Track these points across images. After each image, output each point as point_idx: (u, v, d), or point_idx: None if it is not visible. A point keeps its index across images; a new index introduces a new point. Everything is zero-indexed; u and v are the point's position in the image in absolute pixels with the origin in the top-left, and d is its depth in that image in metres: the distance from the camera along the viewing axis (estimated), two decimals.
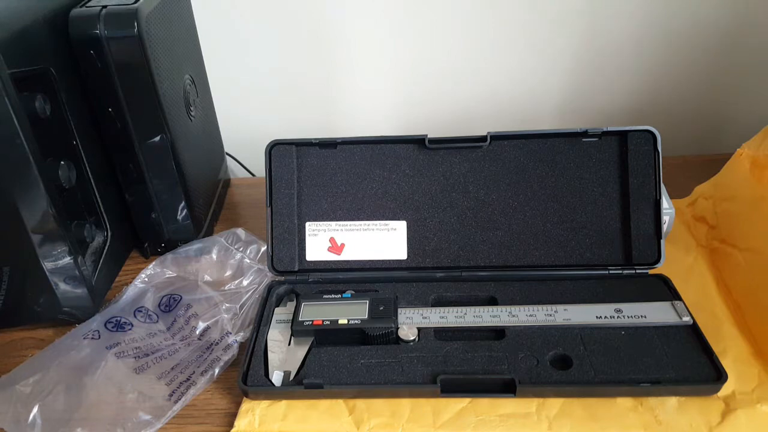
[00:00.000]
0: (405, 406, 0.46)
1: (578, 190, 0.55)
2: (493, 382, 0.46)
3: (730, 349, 0.48)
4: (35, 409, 0.45)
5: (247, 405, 0.47)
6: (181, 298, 0.57)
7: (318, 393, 0.46)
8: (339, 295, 0.52)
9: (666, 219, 0.56)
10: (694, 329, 0.48)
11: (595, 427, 0.43)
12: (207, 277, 0.60)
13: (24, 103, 0.46)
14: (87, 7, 0.52)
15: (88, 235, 0.56)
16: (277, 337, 0.50)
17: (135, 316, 0.55)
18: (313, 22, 0.77)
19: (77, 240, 0.54)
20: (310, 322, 0.49)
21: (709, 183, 0.62)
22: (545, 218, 0.55)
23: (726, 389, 0.45)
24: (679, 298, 0.51)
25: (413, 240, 0.56)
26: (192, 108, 0.65)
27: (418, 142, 0.56)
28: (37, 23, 0.50)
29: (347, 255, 0.56)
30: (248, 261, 0.61)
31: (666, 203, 0.55)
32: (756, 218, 0.53)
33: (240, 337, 0.53)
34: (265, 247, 0.59)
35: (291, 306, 0.53)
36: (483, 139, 0.55)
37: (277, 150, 0.56)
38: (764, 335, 0.48)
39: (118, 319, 0.55)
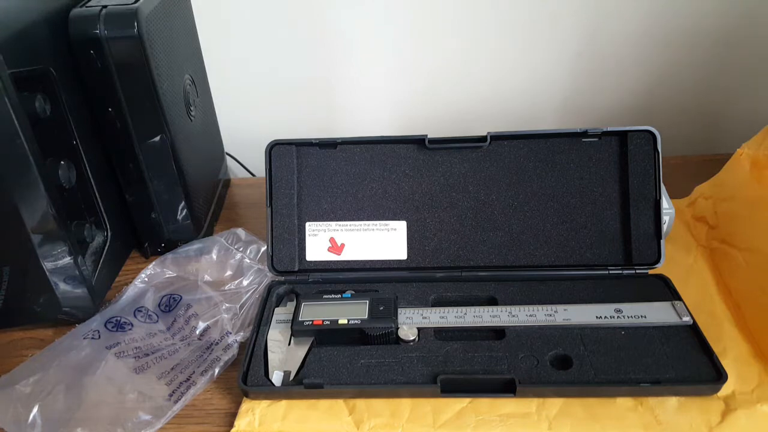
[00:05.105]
0: (405, 406, 0.46)
1: (578, 190, 0.55)
2: (493, 382, 0.46)
3: (730, 349, 0.48)
4: (35, 409, 0.45)
5: (247, 405, 0.47)
6: (181, 298, 0.57)
7: (318, 393, 0.46)
8: (339, 295, 0.52)
9: (666, 219, 0.56)
10: (694, 329, 0.48)
11: (595, 427, 0.43)
12: (207, 277, 0.60)
13: (24, 103, 0.46)
14: (87, 7, 0.52)
15: (88, 235, 0.56)
16: (277, 337, 0.50)
17: (135, 316, 0.55)
18: (313, 22, 0.77)
19: (77, 240, 0.54)
20: (310, 322, 0.49)
21: (709, 183, 0.62)
22: (545, 218, 0.55)
23: (726, 389, 0.45)
24: (679, 298, 0.51)
25: (413, 240, 0.56)
26: (192, 108, 0.65)
27: (418, 142, 0.56)
28: (37, 23, 0.50)
29: (347, 255, 0.56)
30: (248, 261, 0.61)
31: (666, 203, 0.55)
32: (756, 218, 0.53)
33: (240, 337, 0.53)
34: (265, 247, 0.59)
35: (291, 306, 0.53)
36: (483, 139, 0.55)
37: (277, 150, 0.56)
38: (764, 335, 0.48)
39: (118, 319, 0.55)
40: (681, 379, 0.45)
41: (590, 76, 0.80)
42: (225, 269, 0.60)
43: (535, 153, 0.55)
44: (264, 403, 0.47)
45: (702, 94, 0.80)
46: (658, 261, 0.53)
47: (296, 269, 0.56)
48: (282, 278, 0.56)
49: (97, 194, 0.57)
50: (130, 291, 0.58)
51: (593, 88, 0.81)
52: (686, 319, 0.49)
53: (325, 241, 0.56)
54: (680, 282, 0.53)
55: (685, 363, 0.46)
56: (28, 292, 0.52)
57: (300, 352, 0.49)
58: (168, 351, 0.52)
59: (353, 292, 0.53)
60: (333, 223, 0.56)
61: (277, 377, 0.47)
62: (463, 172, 0.56)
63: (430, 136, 0.55)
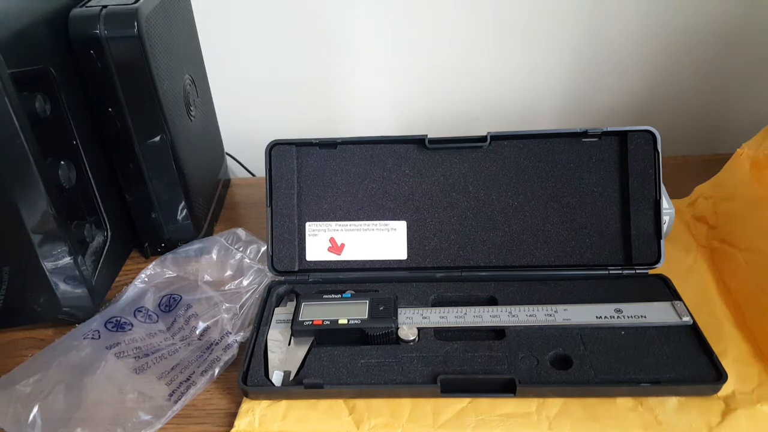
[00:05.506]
0: (405, 406, 0.46)
1: (578, 190, 0.55)
2: (493, 382, 0.46)
3: (730, 349, 0.48)
4: (35, 409, 0.45)
5: (247, 405, 0.47)
6: (181, 298, 0.57)
7: (318, 393, 0.46)
8: (339, 295, 0.52)
9: (666, 219, 0.56)
10: (694, 329, 0.48)
11: (595, 427, 0.43)
12: (207, 277, 0.60)
13: (24, 103, 0.46)
14: (87, 7, 0.52)
15: (88, 235, 0.56)
16: (277, 337, 0.50)
17: (135, 316, 0.55)
18: (314, 23, 0.77)
19: (77, 240, 0.54)
20: (310, 322, 0.49)
21: (709, 183, 0.62)
22: (545, 218, 0.55)
23: (726, 389, 0.45)
24: (679, 298, 0.51)
25: (413, 240, 0.56)
26: (192, 108, 0.65)
27: (418, 142, 0.56)
28: (37, 23, 0.50)
29: (347, 255, 0.56)
30: (248, 261, 0.61)
31: (666, 203, 0.55)
32: (756, 218, 0.53)
33: (240, 337, 0.53)
34: (265, 247, 0.59)
35: (291, 306, 0.53)
36: (483, 139, 0.55)
37: (277, 150, 0.56)
38: (764, 335, 0.48)
39: (118, 319, 0.55)
40: (681, 379, 0.45)
41: (590, 76, 0.80)
42: (225, 269, 0.60)
43: (535, 153, 0.55)
44: (264, 403, 0.47)
45: (702, 94, 0.80)
46: (658, 261, 0.53)
47: (296, 269, 0.56)
48: (282, 278, 0.56)
49: (97, 194, 0.57)
50: (130, 291, 0.58)
51: (593, 88, 0.81)
52: (686, 319, 0.49)
53: (325, 241, 0.56)
54: (680, 282, 0.53)
55: (685, 363, 0.46)
56: (28, 292, 0.52)
57: (300, 352, 0.49)
58: (168, 351, 0.52)
59: (353, 292, 0.53)
60: (333, 223, 0.56)
61: (277, 377, 0.47)
62: (463, 172, 0.56)
63: (430, 136, 0.55)
